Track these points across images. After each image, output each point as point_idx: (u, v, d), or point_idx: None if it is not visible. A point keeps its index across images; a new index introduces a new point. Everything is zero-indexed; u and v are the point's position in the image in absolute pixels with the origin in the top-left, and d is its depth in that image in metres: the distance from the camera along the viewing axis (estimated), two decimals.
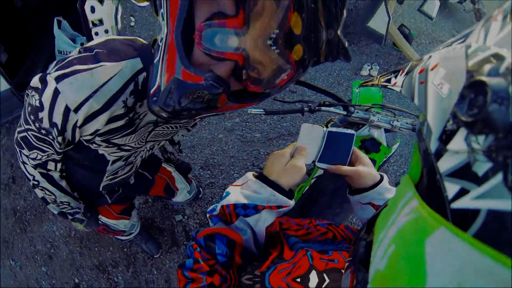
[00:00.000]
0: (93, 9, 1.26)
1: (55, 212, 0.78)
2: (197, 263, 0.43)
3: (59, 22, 1.50)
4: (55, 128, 0.53)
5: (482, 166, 0.16)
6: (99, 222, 0.97)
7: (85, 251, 1.48)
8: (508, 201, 0.15)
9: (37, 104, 0.50)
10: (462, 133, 0.18)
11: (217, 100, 0.44)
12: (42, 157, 0.62)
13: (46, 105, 0.50)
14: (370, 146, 0.94)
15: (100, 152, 0.66)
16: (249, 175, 0.49)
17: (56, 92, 0.48)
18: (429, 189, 0.21)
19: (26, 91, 0.54)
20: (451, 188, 0.18)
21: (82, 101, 0.49)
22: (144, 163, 0.87)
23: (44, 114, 0.51)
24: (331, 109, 0.87)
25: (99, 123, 0.54)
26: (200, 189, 1.54)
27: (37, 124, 0.54)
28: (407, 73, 0.28)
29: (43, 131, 0.55)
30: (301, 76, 0.47)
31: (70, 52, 1.62)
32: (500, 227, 0.15)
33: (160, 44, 0.45)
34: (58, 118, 0.51)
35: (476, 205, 0.16)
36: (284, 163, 0.47)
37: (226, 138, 1.76)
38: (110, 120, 0.55)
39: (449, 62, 0.21)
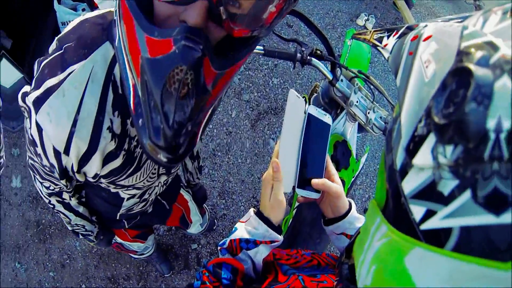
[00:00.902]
0: None
1: (70, 229, 0.77)
2: (203, 284, 0.48)
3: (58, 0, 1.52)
4: (55, 170, 0.49)
5: (447, 185, 0.15)
6: (113, 241, 0.97)
7: (102, 265, 1.52)
8: (481, 216, 0.14)
9: (30, 136, 0.47)
10: (430, 142, 0.16)
11: (201, 74, 0.35)
12: (55, 188, 0.60)
13: (37, 141, 0.46)
14: (342, 157, 0.97)
15: (113, 190, 0.62)
16: (251, 211, 0.55)
17: (39, 128, 0.44)
18: (396, 213, 0.20)
19: (21, 107, 0.50)
20: (417, 210, 0.17)
21: (67, 139, 0.44)
22: (163, 191, 0.83)
23: (40, 151, 0.47)
24: (320, 66, 0.88)
25: (95, 167, 0.49)
26: (215, 220, 1.67)
27: (38, 159, 0.50)
28: (399, 36, 0.27)
29: (47, 168, 0.51)
30: (291, 7, 0.39)
31: None
32: (479, 239, 0.14)
33: (116, 17, 0.38)
34: (53, 160, 0.47)
35: (446, 224, 0.15)
36: (269, 194, 0.52)
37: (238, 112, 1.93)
38: (105, 161, 0.49)
39: (443, 37, 0.20)
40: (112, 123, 0.46)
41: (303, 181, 0.54)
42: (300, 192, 0.55)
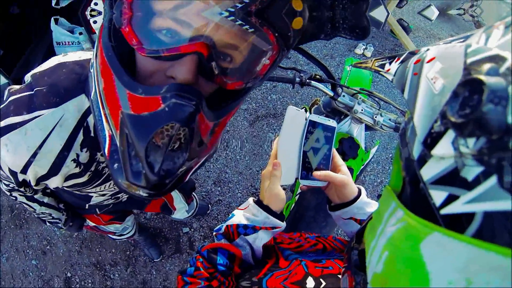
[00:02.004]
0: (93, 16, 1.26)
1: (35, 216, 0.73)
2: (197, 270, 0.45)
3: (56, 20, 1.48)
4: (13, 180, 0.48)
5: (471, 171, 0.16)
6: (84, 224, 0.91)
7: (85, 251, 1.47)
8: (506, 201, 0.14)
9: None
10: (449, 136, 0.17)
11: (197, 130, 0.31)
12: (14, 186, 0.56)
13: None
14: (348, 149, 0.92)
15: (80, 193, 0.59)
16: (250, 200, 0.53)
17: None
18: (414, 198, 0.20)
19: None
20: (437, 195, 0.17)
21: (24, 164, 0.42)
22: None
23: None
24: (320, 86, 0.85)
25: (55, 184, 0.47)
26: (209, 205, 1.62)
27: None
28: (402, 62, 0.27)
29: (4, 175, 0.49)
30: (285, 56, 0.37)
31: (69, 43, 1.46)
32: (501, 226, 0.15)
33: (91, 71, 0.35)
34: (9, 175, 0.46)
35: (470, 209, 0.16)
36: (267, 187, 0.50)
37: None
38: (68, 178, 0.47)
39: (447, 57, 0.20)
40: (79, 156, 0.44)
41: (308, 173, 0.53)
42: (304, 182, 0.53)
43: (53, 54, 1.53)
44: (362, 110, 0.89)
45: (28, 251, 1.45)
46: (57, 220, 0.75)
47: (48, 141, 0.41)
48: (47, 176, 0.45)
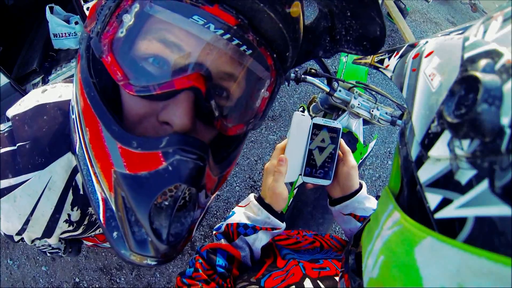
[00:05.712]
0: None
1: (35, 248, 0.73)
2: (196, 272, 0.45)
3: (51, 8, 1.49)
4: (10, 240, 0.47)
5: (465, 174, 0.15)
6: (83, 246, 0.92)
7: (91, 255, 1.50)
8: (496, 207, 0.14)
9: None
10: (445, 137, 0.17)
11: (203, 187, 0.28)
12: None
13: None
14: (347, 143, 0.94)
15: None
16: (251, 197, 0.52)
17: None
18: (410, 200, 0.20)
19: None
20: (432, 198, 0.17)
21: (18, 230, 0.41)
22: None
23: None
24: (316, 81, 0.85)
25: (51, 241, 0.46)
26: None
27: None
28: (401, 56, 0.27)
29: None
30: (282, 84, 0.35)
31: (66, 34, 1.46)
32: (491, 231, 0.14)
33: (73, 116, 0.31)
34: (5, 237, 0.45)
35: (462, 213, 0.15)
36: (269, 183, 0.50)
37: None
38: (63, 233, 0.46)
39: (445, 51, 0.20)
40: (70, 216, 0.42)
41: (311, 169, 0.55)
42: (307, 180, 0.55)
43: (51, 47, 1.55)
44: (358, 104, 0.90)
45: (38, 257, 1.48)
46: (57, 250, 0.76)
47: (38, 207, 0.39)
48: (42, 238, 0.44)
